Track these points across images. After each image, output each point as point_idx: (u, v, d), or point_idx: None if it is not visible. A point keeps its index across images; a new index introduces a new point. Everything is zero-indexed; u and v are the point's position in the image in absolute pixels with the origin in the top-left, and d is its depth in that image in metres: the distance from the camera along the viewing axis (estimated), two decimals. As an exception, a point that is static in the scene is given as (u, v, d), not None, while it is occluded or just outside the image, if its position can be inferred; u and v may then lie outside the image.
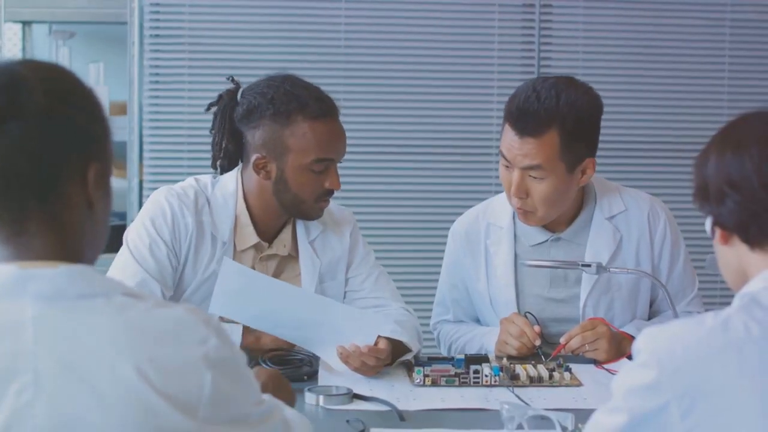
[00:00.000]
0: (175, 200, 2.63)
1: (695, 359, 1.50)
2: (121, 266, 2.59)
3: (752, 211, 1.60)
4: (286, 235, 2.72)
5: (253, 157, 2.62)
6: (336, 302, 2.63)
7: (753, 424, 1.47)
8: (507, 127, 2.67)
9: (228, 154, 2.69)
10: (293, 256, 2.73)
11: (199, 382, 1.27)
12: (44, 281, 1.28)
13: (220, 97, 2.70)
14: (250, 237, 2.67)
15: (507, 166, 2.69)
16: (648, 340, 1.55)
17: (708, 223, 1.69)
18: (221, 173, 2.72)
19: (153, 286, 2.55)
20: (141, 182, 4.23)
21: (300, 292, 2.60)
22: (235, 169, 2.71)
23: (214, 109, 2.71)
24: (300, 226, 2.73)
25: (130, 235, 2.64)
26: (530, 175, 2.66)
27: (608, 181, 2.90)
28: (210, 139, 2.73)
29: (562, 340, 2.63)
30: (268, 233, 2.70)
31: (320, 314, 2.50)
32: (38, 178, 1.30)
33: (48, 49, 4.63)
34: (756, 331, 1.51)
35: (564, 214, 2.79)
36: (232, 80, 2.71)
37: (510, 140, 2.65)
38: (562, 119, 2.61)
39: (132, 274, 2.56)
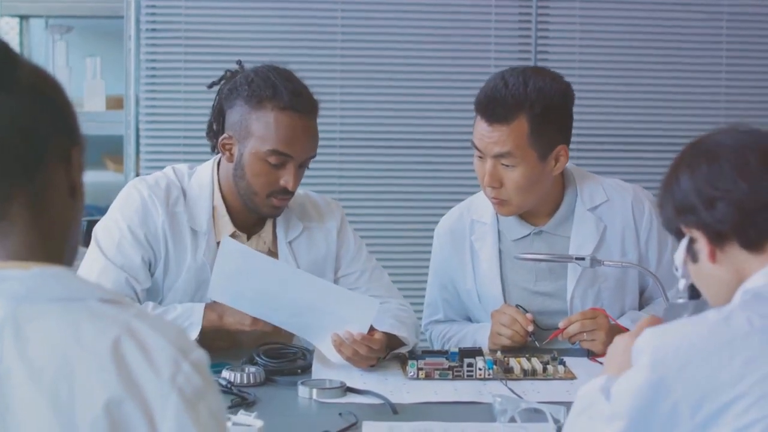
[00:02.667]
0: (145, 190, 2.59)
1: (701, 355, 1.50)
2: (90, 261, 2.56)
3: (748, 210, 1.58)
4: (266, 233, 2.68)
5: (222, 136, 2.59)
6: (333, 285, 2.61)
7: (761, 413, 1.47)
8: (477, 118, 2.69)
9: (213, 134, 2.65)
10: (274, 252, 2.67)
11: (162, 412, 1.21)
12: (16, 283, 1.24)
13: (222, 76, 2.66)
14: (227, 226, 2.62)
15: (480, 157, 2.69)
16: (651, 340, 1.54)
17: (681, 251, 1.67)
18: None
19: (121, 280, 2.52)
20: (138, 176, 4.22)
21: (298, 273, 2.56)
22: (212, 159, 2.68)
23: (213, 87, 2.68)
24: (280, 225, 2.68)
25: (99, 229, 2.60)
26: (502, 164, 2.66)
27: (587, 171, 2.88)
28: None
29: (560, 325, 2.64)
30: (245, 225, 2.65)
31: (317, 296, 2.48)
32: (27, 156, 1.26)
33: (45, 44, 4.64)
34: (758, 323, 1.51)
35: (544, 207, 2.78)
36: (239, 63, 2.67)
37: (480, 129, 2.67)
38: (530, 105, 2.62)
39: (100, 269, 2.53)
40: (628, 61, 4.34)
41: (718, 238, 1.61)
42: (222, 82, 2.66)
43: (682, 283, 1.77)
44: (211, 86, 2.69)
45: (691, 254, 1.66)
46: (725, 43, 4.38)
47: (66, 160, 1.31)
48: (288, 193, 2.58)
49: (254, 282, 2.48)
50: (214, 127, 2.65)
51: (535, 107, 2.62)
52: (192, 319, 2.51)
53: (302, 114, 2.55)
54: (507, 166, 2.66)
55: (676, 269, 1.74)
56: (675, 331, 1.54)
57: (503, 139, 2.63)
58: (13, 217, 1.27)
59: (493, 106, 2.64)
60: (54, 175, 1.30)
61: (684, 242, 1.67)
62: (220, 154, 2.64)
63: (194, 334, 2.48)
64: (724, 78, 4.39)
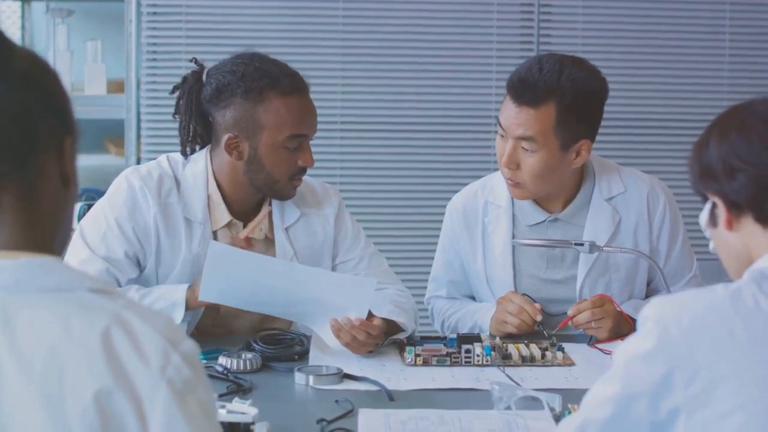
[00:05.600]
0: (136, 182, 2.57)
1: (702, 327, 1.50)
2: (74, 250, 2.54)
3: (766, 185, 1.58)
4: (262, 218, 2.66)
5: (225, 138, 2.55)
6: (327, 271, 2.60)
7: (756, 394, 1.47)
8: (507, 97, 2.67)
9: (197, 136, 2.63)
10: (271, 239, 2.66)
11: (151, 404, 1.20)
12: (4, 273, 1.23)
13: (185, 79, 2.63)
14: (223, 215, 2.61)
15: (502, 136, 2.69)
16: (656, 308, 1.54)
17: (705, 213, 1.67)
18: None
19: (102, 270, 2.50)
20: (139, 160, 4.22)
21: (290, 265, 2.56)
22: (204, 148, 2.65)
23: (177, 93, 2.65)
24: (276, 211, 2.66)
25: (86, 218, 2.58)
26: (523, 147, 2.65)
27: (607, 160, 2.87)
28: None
29: (569, 312, 2.63)
30: (241, 213, 2.64)
31: (312, 286, 2.46)
32: (18, 144, 1.25)
33: (46, 27, 4.63)
34: (764, 304, 1.51)
35: (562, 195, 2.77)
36: (195, 62, 2.65)
37: (508, 109, 2.66)
38: (561, 93, 2.61)
39: (82, 259, 2.51)
40: (630, 44, 4.33)
41: (735, 208, 1.62)
42: (185, 85, 2.62)
43: (711, 245, 1.76)
44: (173, 91, 2.66)
45: (713, 219, 1.67)
46: (729, 27, 4.36)
47: (59, 149, 1.30)
48: (305, 171, 2.61)
49: (247, 281, 2.46)
50: (198, 129, 2.61)
51: (566, 97, 2.61)
52: (174, 297, 2.49)
53: (303, 92, 2.58)
54: (527, 150, 2.65)
55: (704, 230, 1.74)
56: (682, 301, 1.55)
57: (528, 123, 2.63)
58: (4, 206, 1.26)
59: (524, 88, 2.63)
60: (46, 165, 1.29)
61: (707, 206, 1.67)
62: (209, 145, 2.63)
63: (179, 315, 2.46)
64: (726, 62, 4.37)
